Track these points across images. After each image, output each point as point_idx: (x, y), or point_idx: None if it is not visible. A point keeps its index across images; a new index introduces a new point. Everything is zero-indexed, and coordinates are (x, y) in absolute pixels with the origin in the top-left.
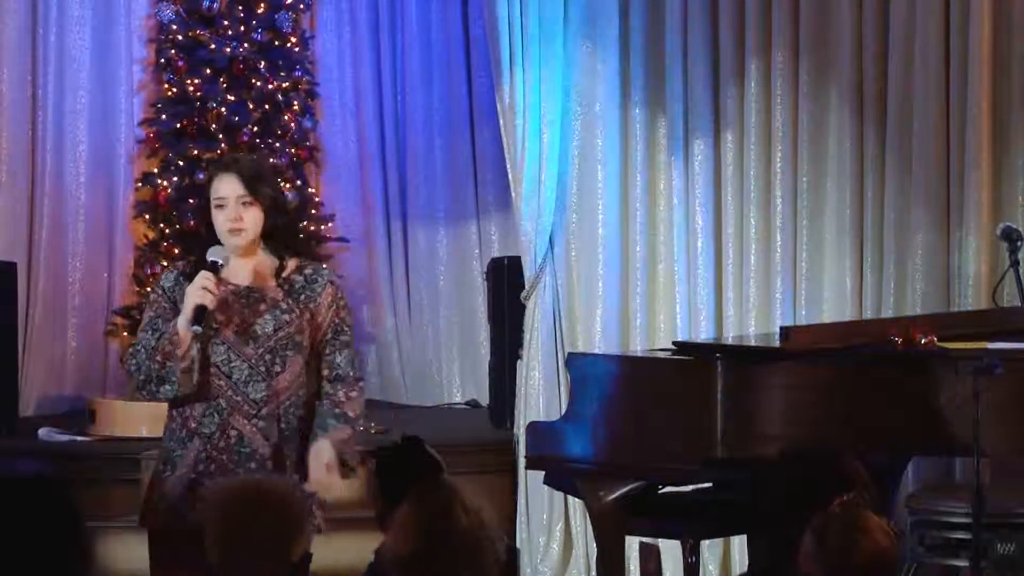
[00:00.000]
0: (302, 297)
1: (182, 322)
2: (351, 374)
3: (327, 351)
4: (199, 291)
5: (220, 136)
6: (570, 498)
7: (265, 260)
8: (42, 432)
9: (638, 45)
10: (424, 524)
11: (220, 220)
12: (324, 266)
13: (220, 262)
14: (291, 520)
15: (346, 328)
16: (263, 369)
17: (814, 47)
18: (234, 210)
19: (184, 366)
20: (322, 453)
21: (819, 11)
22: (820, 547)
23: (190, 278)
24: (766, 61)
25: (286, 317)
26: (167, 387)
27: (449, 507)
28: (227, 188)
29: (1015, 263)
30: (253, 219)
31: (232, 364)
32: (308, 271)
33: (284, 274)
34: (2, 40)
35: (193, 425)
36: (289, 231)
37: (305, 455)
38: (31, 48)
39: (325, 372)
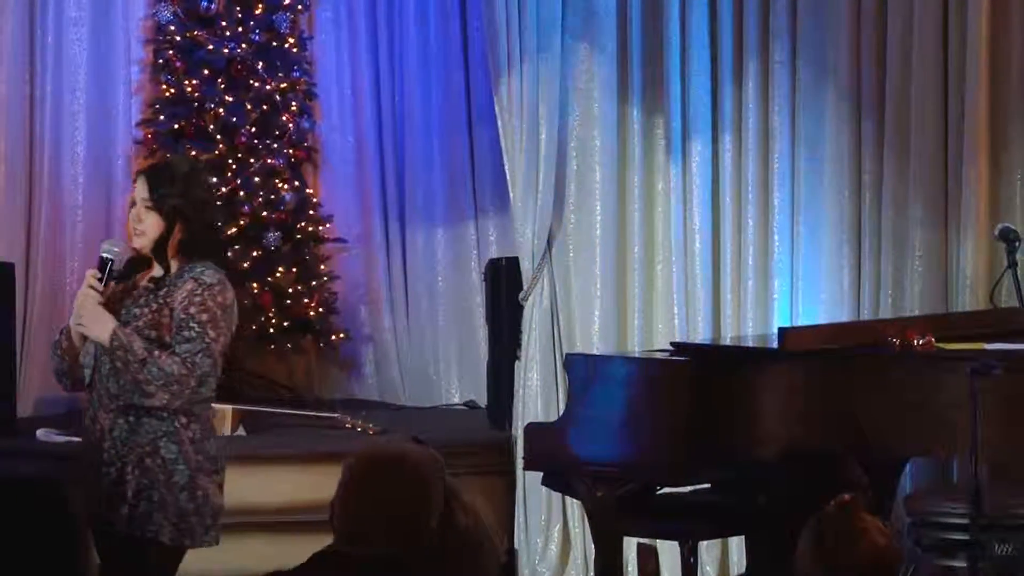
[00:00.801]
0: (161, 292)
1: (72, 320)
2: (175, 371)
3: (173, 345)
4: (82, 291)
5: (218, 137)
6: (568, 499)
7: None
8: (40, 433)
9: (636, 45)
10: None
11: (129, 219)
12: (206, 266)
13: (111, 257)
14: (421, 484)
15: (193, 324)
16: (117, 364)
17: (812, 47)
18: (136, 213)
19: (85, 362)
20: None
21: (817, 11)
22: (817, 547)
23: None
24: (764, 61)
25: (136, 311)
26: (65, 380)
27: (449, 508)
28: (137, 188)
29: (1013, 264)
30: (151, 225)
31: (100, 358)
32: (185, 268)
33: (157, 277)
34: (0, 40)
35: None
36: (190, 244)
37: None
38: (28, 48)
39: None
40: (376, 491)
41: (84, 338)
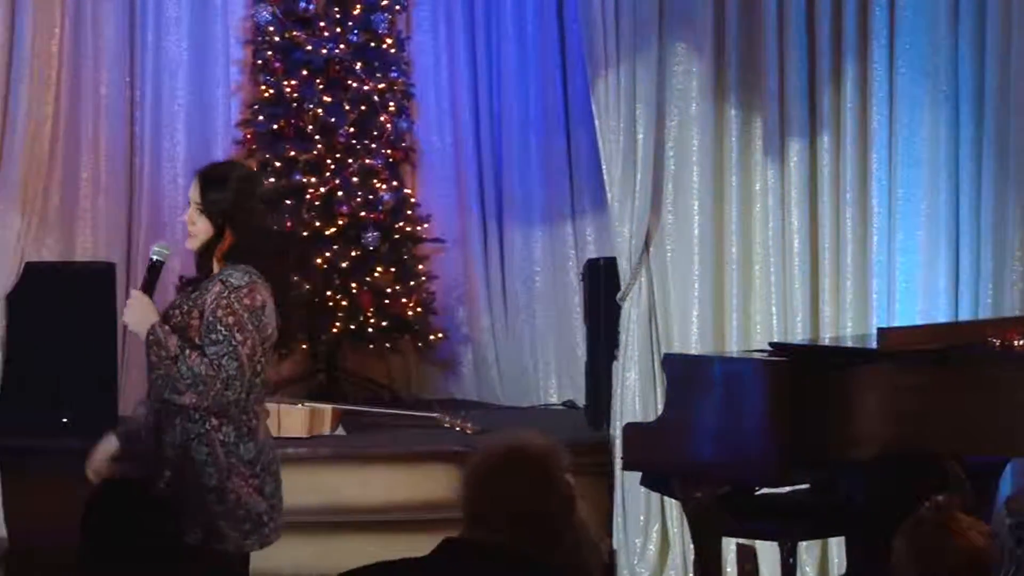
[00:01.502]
0: (193, 295)
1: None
2: (202, 371)
3: (202, 347)
4: (135, 290)
5: (316, 137)
6: (667, 499)
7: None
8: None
9: (733, 45)
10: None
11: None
12: (238, 269)
13: (160, 259)
14: (544, 476)
15: (220, 328)
16: (153, 359)
17: (911, 47)
18: (189, 214)
19: None
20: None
21: (916, 13)
22: (913, 548)
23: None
24: (862, 61)
25: (171, 312)
26: None
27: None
28: (191, 190)
29: None
30: (201, 227)
31: (151, 359)
32: (216, 272)
33: (195, 279)
34: (101, 42)
35: None
36: (237, 249)
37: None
38: (129, 50)
39: None
40: (500, 479)
41: None
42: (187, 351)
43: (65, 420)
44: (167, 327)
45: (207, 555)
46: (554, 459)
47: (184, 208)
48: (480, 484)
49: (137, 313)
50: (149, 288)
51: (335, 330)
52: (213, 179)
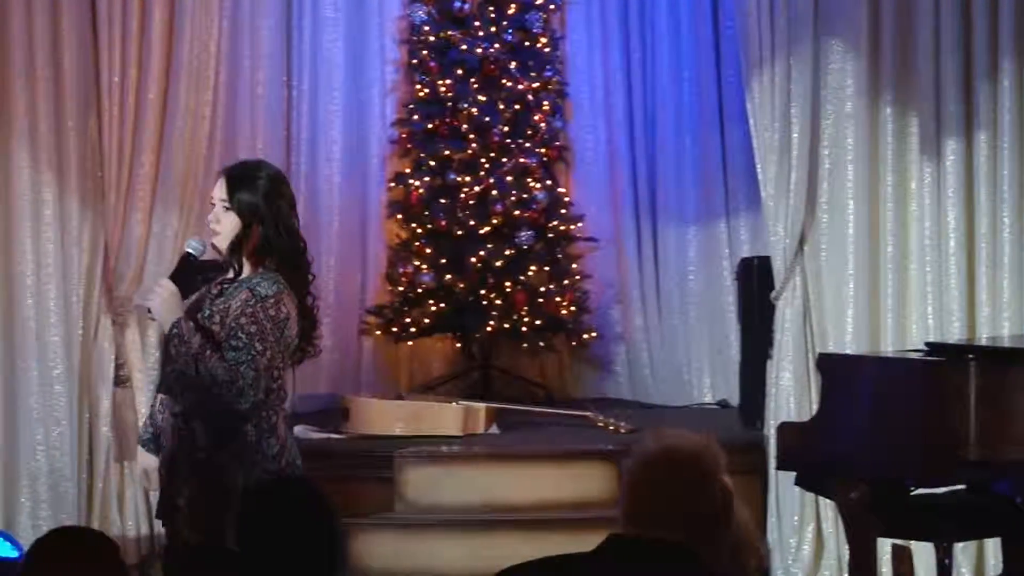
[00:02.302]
0: (219, 298)
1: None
2: (219, 375)
3: (223, 351)
4: (151, 292)
5: (471, 136)
6: (821, 499)
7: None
8: (298, 430)
9: (888, 42)
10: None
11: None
12: (267, 277)
13: (193, 252)
14: (699, 473)
15: (241, 335)
16: (172, 353)
17: None
18: (215, 212)
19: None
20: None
21: None
22: None
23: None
24: (1020, 60)
25: (194, 309)
26: None
27: (730, 504)
28: (217, 188)
29: None
30: (228, 225)
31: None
32: (243, 278)
33: (224, 280)
34: (258, 42)
35: None
36: (265, 249)
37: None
38: (286, 49)
39: None
40: (655, 478)
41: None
42: (207, 352)
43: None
44: (191, 324)
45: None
46: (709, 458)
47: (211, 208)
48: (636, 483)
49: (165, 303)
50: (178, 279)
51: (489, 329)
52: (241, 177)
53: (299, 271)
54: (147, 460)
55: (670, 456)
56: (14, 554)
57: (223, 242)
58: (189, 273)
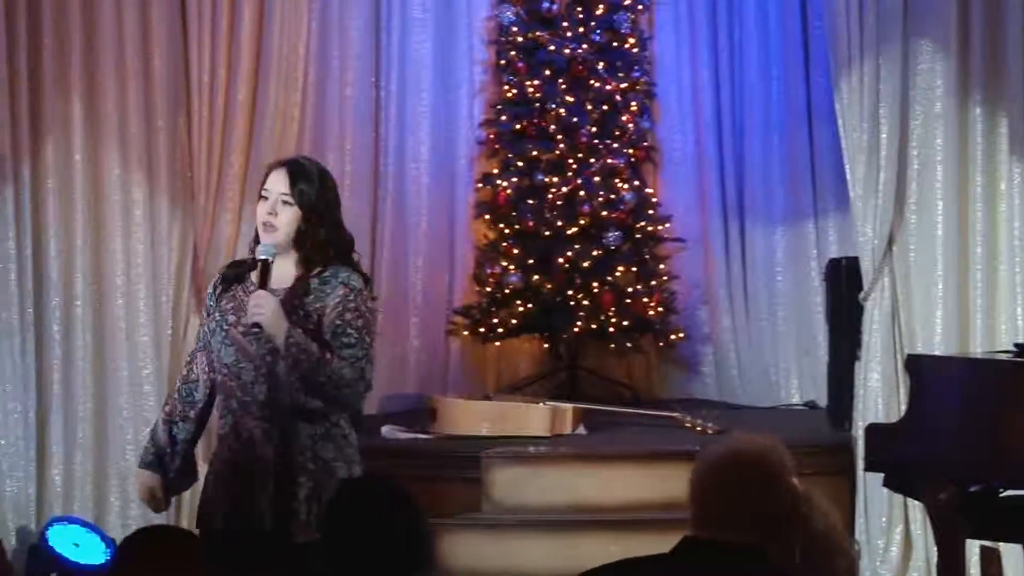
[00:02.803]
0: (308, 299)
1: (250, 318)
2: (346, 375)
3: (335, 350)
4: (259, 291)
5: (558, 137)
6: (910, 500)
7: (291, 266)
8: (385, 430)
9: (977, 42)
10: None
11: (259, 212)
12: (349, 270)
13: (269, 259)
14: (761, 474)
15: (350, 331)
16: (264, 370)
17: None
18: (273, 205)
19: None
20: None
21: None
22: None
23: (224, 278)
24: None
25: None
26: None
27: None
28: (274, 180)
29: None
30: (289, 218)
31: (240, 365)
32: (326, 274)
33: (300, 277)
34: (347, 43)
35: (217, 427)
36: (318, 238)
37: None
38: (374, 50)
39: None
40: (718, 480)
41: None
42: (327, 354)
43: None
44: (299, 330)
45: (293, 546)
46: (774, 459)
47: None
48: (702, 486)
49: (274, 315)
50: (265, 288)
51: (576, 329)
52: (301, 172)
53: (356, 266)
54: (152, 480)
55: (734, 459)
56: (99, 560)
57: (281, 236)
58: (268, 280)
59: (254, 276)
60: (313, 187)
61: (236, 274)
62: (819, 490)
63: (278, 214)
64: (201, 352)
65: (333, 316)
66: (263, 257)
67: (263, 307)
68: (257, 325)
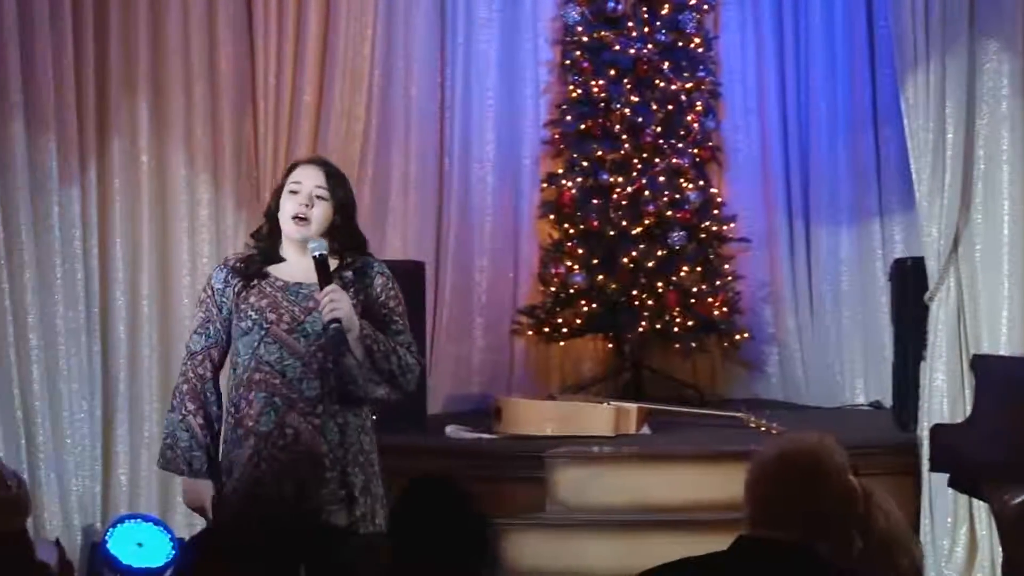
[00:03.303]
0: (351, 291)
1: (327, 315)
2: (410, 361)
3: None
4: (331, 286)
5: (623, 137)
6: (975, 501)
7: (310, 260)
8: (449, 430)
9: None
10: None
11: (289, 206)
12: (373, 258)
13: (325, 253)
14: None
15: (396, 318)
16: (315, 367)
17: None
18: (306, 198)
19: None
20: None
21: None
22: None
23: (239, 273)
24: None
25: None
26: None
27: (866, 509)
28: (306, 175)
29: None
30: (322, 213)
31: (285, 362)
32: (357, 264)
33: (333, 270)
34: (412, 44)
35: (250, 424)
36: (348, 233)
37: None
38: (439, 49)
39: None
40: (771, 479)
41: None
42: (392, 344)
43: (375, 416)
44: (366, 321)
45: (357, 538)
46: (826, 457)
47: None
48: (756, 485)
49: (351, 308)
50: (328, 283)
51: (641, 329)
52: (332, 169)
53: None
54: (211, 489)
55: (783, 458)
56: (159, 562)
57: (314, 230)
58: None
59: (276, 271)
60: (343, 184)
61: (256, 270)
62: (882, 490)
63: (314, 206)
64: (213, 348)
65: (378, 306)
66: (317, 253)
67: (339, 302)
68: (336, 320)
